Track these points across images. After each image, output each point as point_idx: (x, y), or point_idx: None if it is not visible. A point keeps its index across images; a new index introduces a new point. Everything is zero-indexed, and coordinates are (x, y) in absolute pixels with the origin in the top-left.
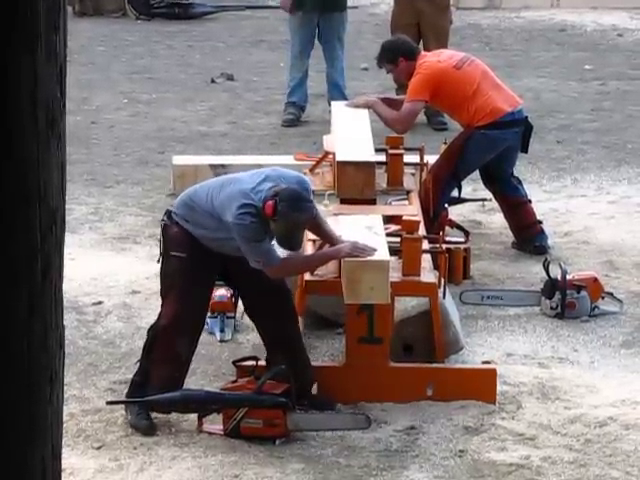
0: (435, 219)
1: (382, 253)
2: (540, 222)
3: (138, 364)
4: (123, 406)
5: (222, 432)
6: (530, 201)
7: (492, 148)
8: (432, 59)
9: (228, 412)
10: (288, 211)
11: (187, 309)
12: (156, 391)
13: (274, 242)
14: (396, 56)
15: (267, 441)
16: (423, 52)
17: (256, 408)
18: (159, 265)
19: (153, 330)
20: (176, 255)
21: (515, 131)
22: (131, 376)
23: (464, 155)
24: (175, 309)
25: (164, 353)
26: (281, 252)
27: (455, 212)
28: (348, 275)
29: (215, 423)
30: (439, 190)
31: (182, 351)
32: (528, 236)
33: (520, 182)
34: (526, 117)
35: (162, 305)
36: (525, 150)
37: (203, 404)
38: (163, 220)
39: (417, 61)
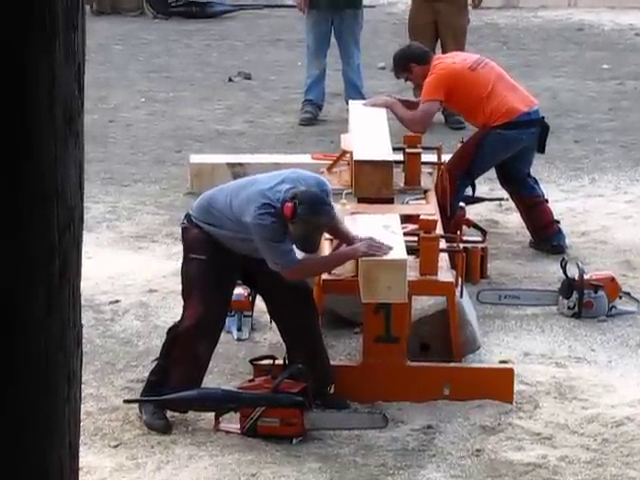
0: (452, 217)
1: (399, 252)
2: (557, 222)
3: (155, 363)
4: (138, 405)
5: (239, 431)
6: (547, 200)
7: (507, 148)
8: (447, 60)
9: (245, 411)
10: (307, 214)
11: (209, 311)
12: (174, 391)
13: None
14: (407, 63)
15: (284, 440)
16: (437, 55)
17: (273, 407)
18: (179, 267)
19: (174, 331)
20: (196, 257)
21: (532, 131)
22: (147, 374)
23: (479, 154)
24: (197, 311)
25: (184, 354)
26: (299, 254)
27: (472, 212)
28: (365, 274)
29: (232, 422)
30: (452, 188)
31: (202, 353)
32: (545, 236)
33: (537, 182)
34: (542, 117)
35: (184, 307)
36: (542, 150)
37: (220, 403)
38: (183, 223)
39: (430, 63)
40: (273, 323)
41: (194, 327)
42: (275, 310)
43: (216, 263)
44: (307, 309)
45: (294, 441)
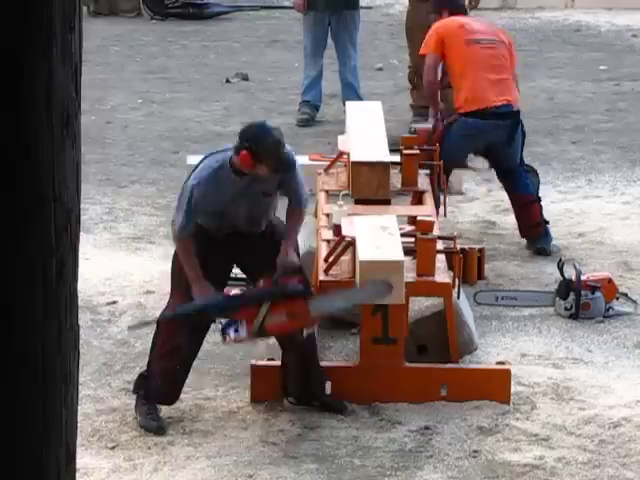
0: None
1: (397, 253)
2: (547, 222)
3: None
4: (133, 407)
5: (248, 337)
6: (539, 199)
7: (472, 137)
8: (453, 24)
9: (250, 315)
10: (264, 139)
11: (189, 301)
12: (156, 382)
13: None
14: (442, 7)
15: (281, 441)
16: (466, 19)
17: (278, 301)
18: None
19: (157, 322)
20: None
21: (498, 123)
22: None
23: (445, 142)
24: (179, 301)
25: (165, 343)
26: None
27: (469, 213)
28: (363, 274)
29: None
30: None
31: (183, 343)
32: (531, 236)
33: (534, 172)
34: (514, 111)
35: (169, 297)
36: (510, 143)
37: (223, 310)
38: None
39: (457, 15)
40: None
41: (173, 316)
42: None
43: (202, 253)
44: None
45: (305, 333)
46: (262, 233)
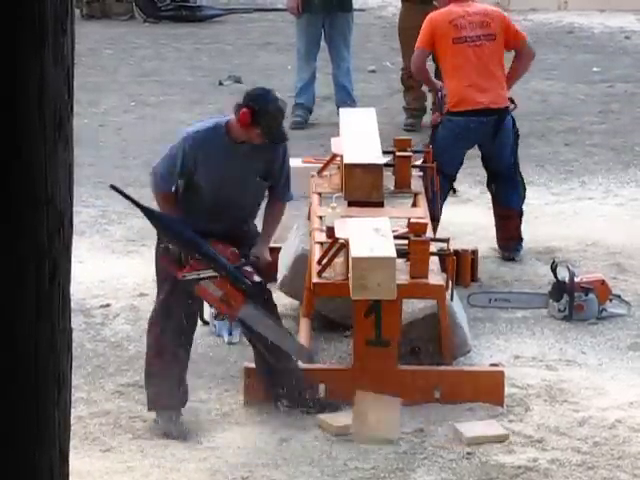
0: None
1: (388, 250)
2: (521, 239)
3: None
4: (126, 410)
5: (179, 276)
6: (522, 214)
7: (459, 136)
8: (447, 17)
9: (197, 264)
10: (268, 103)
11: (169, 300)
12: (153, 381)
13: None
14: None
15: (276, 443)
16: (461, 6)
17: (228, 279)
18: None
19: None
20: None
21: (482, 120)
22: (138, 378)
23: (436, 146)
24: (161, 300)
25: (153, 345)
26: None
27: (461, 215)
28: (355, 271)
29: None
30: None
31: (169, 342)
32: (503, 245)
33: (523, 184)
34: (500, 108)
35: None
36: (493, 139)
37: (185, 242)
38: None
39: (456, 2)
40: None
41: (157, 316)
42: None
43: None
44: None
45: (209, 316)
46: (244, 237)
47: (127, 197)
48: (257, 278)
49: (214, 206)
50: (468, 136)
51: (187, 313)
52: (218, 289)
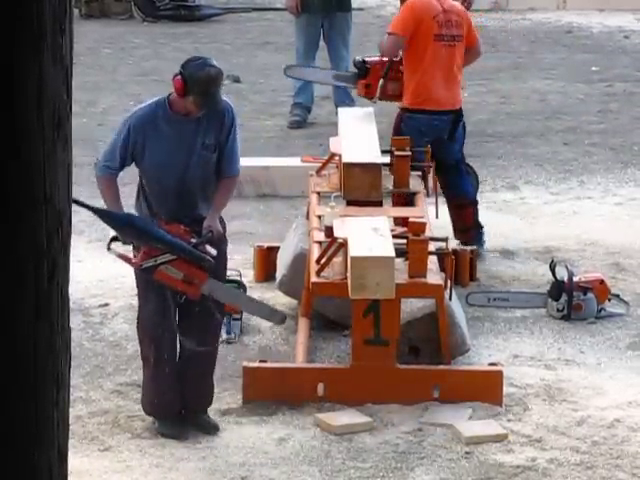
0: None
1: (387, 249)
2: (481, 227)
3: None
4: (125, 409)
5: (134, 265)
6: (476, 202)
7: (423, 133)
8: (430, 12)
9: (152, 250)
10: (197, 71)
11: (143, 313)
12: (148, 393)
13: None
14: None
15: (274, 442)
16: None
17: (184, 260)
18: None
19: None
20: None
21: (443, 118)
22: (137, 378)
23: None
24: (139, 312)
25: (142, 356)
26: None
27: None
28: (354, 271)
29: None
30: None
31: (149, 354)
32: (464, 240)
33: (475, 174)
34: (456, 109)
35: None
36: (451, 138)
37: (142, 232)
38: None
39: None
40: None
41: (138, 329)
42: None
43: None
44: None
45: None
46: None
47: (84, 205)
48: (213, 251)
49: (163, 183)
50: (431, 132)
51: (160, 293)
52: (178, 271)
